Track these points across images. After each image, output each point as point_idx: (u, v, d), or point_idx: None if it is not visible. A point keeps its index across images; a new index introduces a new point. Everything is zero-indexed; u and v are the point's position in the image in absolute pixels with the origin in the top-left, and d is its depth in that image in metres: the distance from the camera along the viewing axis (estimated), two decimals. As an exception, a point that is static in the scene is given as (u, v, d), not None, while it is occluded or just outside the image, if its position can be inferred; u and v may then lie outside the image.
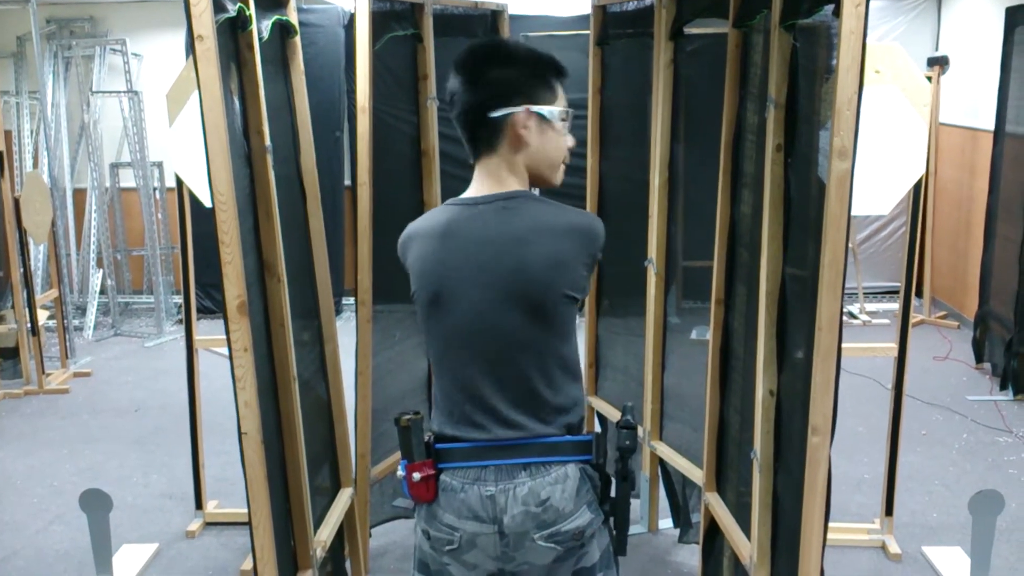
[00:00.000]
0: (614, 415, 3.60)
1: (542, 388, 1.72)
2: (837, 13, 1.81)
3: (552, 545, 1.71)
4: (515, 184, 1.75)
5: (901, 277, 3.33)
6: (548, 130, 1.74)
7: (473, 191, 1.77)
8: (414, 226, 1.82)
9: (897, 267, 6.98)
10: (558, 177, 1.80)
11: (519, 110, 1.71)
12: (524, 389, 1.71)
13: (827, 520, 2.04)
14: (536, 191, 1.83)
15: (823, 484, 2.00)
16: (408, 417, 1.74)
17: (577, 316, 1.79)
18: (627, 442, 1.74)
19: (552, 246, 1.69)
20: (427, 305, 1.76)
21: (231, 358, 2.08)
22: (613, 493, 1.78)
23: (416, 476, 1.73)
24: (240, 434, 2.12)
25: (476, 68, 1.73)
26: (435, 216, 1.79)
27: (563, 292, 1.69)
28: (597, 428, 3.82)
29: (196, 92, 2.00)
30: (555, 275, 1.68)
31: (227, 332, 2.07)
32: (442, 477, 1.75)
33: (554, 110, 1.74)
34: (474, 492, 1.71)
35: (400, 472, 1.76)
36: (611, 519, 1.79)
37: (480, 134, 1.74)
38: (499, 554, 1.73)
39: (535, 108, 1.72)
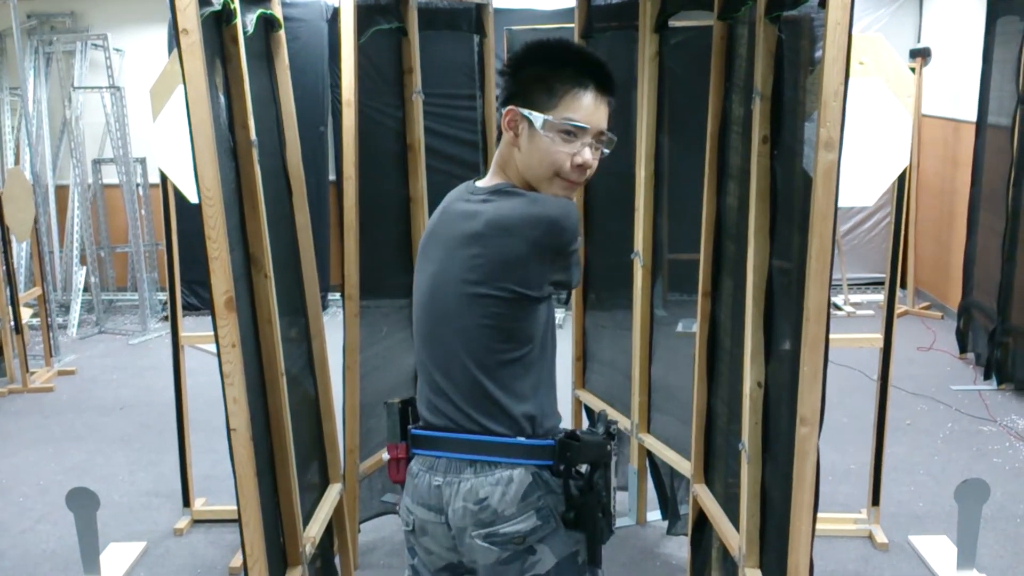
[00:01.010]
0: (601, 408, 3.61)
1: (488, 385, 1.69)
2: (823, 4, 1.82)
3: (488, 546, 1.69)
4: (501, 178, 1.75)
5: (885, 268, 3.35)
6: (535, 136, 1.66)
7: (481, 180, 1.79)
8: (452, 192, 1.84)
9: (880, 258, 7.02)
10: (554, 190, 1.70)
11: (507, 108, 1.70)
12: (470, 383, 1.70)
13: (816, 511, 2.05)
14: None
15: (812, 475, 2.01)
16: (392, 400, 1.81)
17: (545, 314, 1.74)
18: (567, 453, 1.69)
19: (503, 242, 1.65)
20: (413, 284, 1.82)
21: (219, 354, 2.07)
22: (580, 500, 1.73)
23: (385, 456, 1.82)
24: (229, 430, 2.11)
25: (510, 62, 1.73)
26: (453, 194, 1.81)
27: (509, 288, 1.65)
28: (585, 422, 3.82)
29: (180, 87, 1.99)
30: (501, 272, 1.65)
31: (215, 328, 2.06)
32: (412, 461, 1.79)
33: (538, 117, 1.65)
34: (425, 480, 1.74)
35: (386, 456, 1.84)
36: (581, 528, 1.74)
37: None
38: (451, 545, 1.75)
39: (522, 110, 1.67)
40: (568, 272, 1.73)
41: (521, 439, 1.70)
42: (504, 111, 1.70)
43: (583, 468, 1.69)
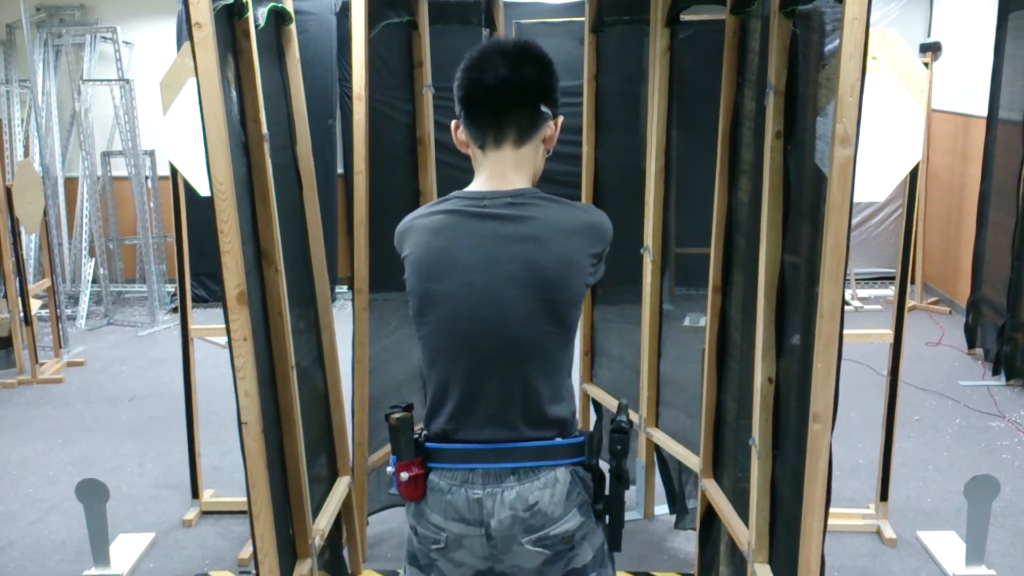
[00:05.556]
0: (610, 402, 3.61)
1: (543, 391, 1.66)
2: (839, -1, 1.81)
3: (540, 549, 1.67)
4: (522, 182, 1.70)
5: (895, 263, 3.33)
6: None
7: (479, 186, 1.71)
8: (413, 216, 1.74)
9: (888, 253, 7.00)
10: None
11: (559, 118, 1.73)
12: (524, 392, 1.66)
13: (827, 507, 2.05)
14: None
15: (824, 471, 2.01)
16: (397, 416, 1.69)
17: None
18: (619, 447, 1.69)
19: (565, 244, 1.64)
20: (423, 298, 1.69)
21: (230, 347, 2.07)
22: (608, 490, 1.73)
23: (404, 476, 1.70)
24: (240, 423, 2.11)
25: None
26: (437, 208, 1.71)
27: (576, 292, 1.66)
28: (592, 415, 3.82)
29: (191, 80, 1.99)
30: (569, 274, 1.64)
31: (227, 321, 2.06)
32: (431, 476, 1.71)
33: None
34: (461, 495, 1.67)
35: (389, 468, 1.72)
36: (606, 517, 1.75)
37: (514, 121, 1.68)
38: (487, 555, 1.70)
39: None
40: (598, 273, 1.75)
41: (558, 439, 1.69)
42: (558, 118, 1.73)
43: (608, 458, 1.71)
